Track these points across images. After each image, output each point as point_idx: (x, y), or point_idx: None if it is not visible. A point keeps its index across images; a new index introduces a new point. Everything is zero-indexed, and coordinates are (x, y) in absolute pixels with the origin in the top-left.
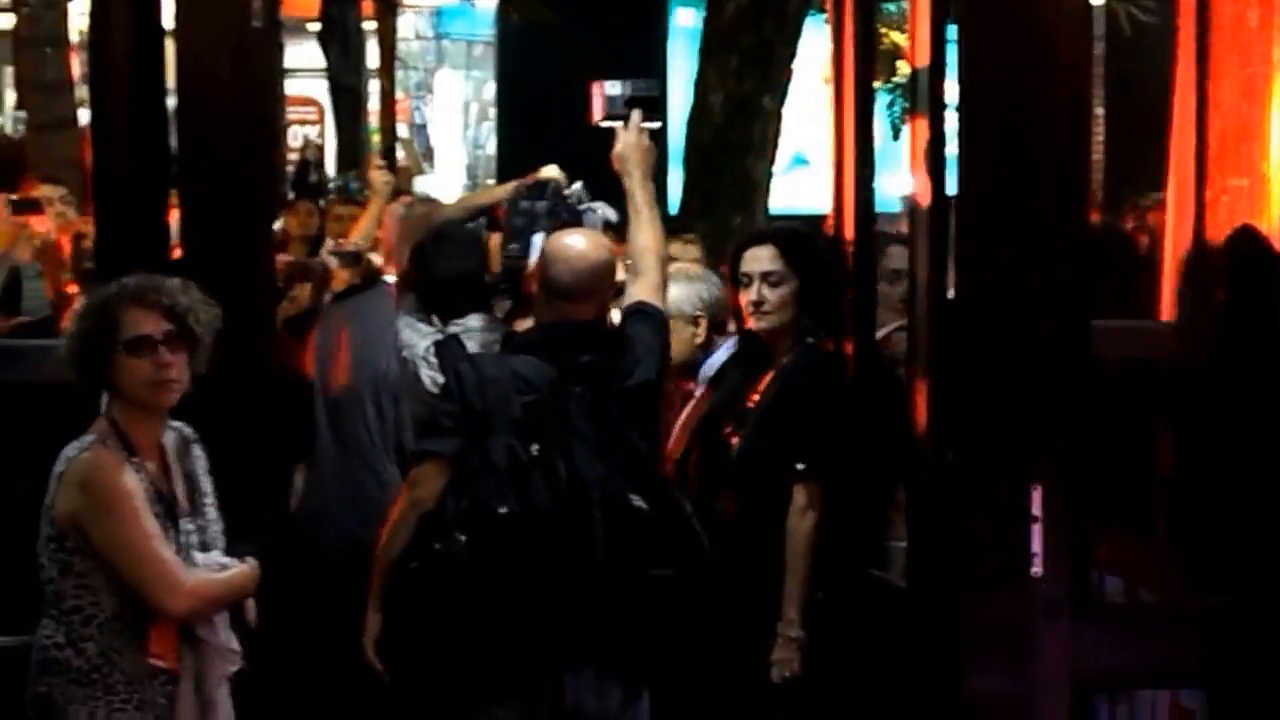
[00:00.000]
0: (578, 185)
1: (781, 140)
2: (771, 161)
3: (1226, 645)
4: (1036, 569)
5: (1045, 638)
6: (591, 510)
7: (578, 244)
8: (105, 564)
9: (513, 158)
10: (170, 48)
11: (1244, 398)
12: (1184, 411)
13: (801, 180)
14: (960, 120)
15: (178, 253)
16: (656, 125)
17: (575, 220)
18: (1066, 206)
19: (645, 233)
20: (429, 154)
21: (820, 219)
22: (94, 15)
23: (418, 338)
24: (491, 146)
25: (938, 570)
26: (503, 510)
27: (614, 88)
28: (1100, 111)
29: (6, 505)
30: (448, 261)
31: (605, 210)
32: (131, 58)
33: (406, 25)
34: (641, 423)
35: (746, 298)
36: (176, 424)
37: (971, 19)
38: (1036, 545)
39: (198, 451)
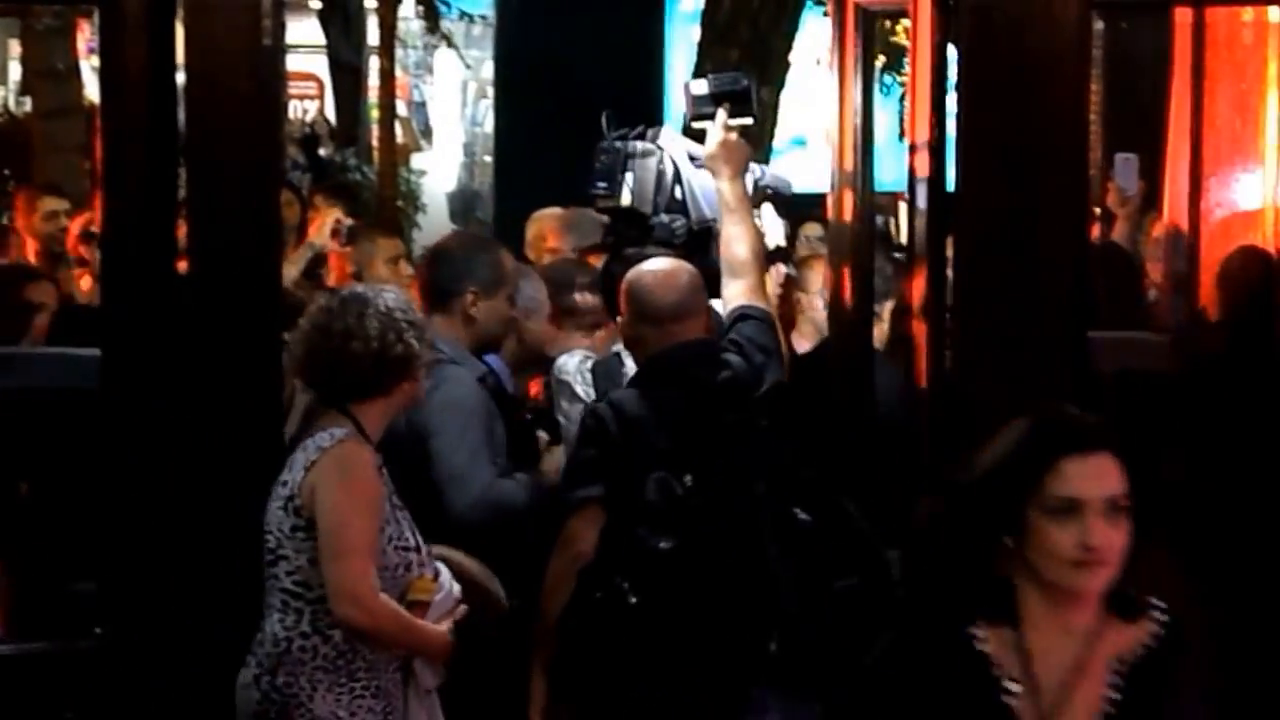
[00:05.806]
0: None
1: (780, 121)
2: (767, 148)
3: (1228, 659)
4: None
5: None
6: (761, 534)
7: (665, 265)
8: None
9: (509, 136)
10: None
11: (1243, 409)
12: (1181, 423)
13: (799, 160)
14: (958, 134)
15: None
16: (748, 121)
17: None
18: (1065, 221)
19: (739, 233)
20: (427, 132)
21: (819, 198)
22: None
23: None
24: (489, 124)
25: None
26: (663, 546)
27: (700, 86)
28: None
29: None
30: None
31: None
32: (143, 37)
33: (407, 2)
34: (783, 428)
35: None
36: None
37: (972, 40)
38: None
39: None
